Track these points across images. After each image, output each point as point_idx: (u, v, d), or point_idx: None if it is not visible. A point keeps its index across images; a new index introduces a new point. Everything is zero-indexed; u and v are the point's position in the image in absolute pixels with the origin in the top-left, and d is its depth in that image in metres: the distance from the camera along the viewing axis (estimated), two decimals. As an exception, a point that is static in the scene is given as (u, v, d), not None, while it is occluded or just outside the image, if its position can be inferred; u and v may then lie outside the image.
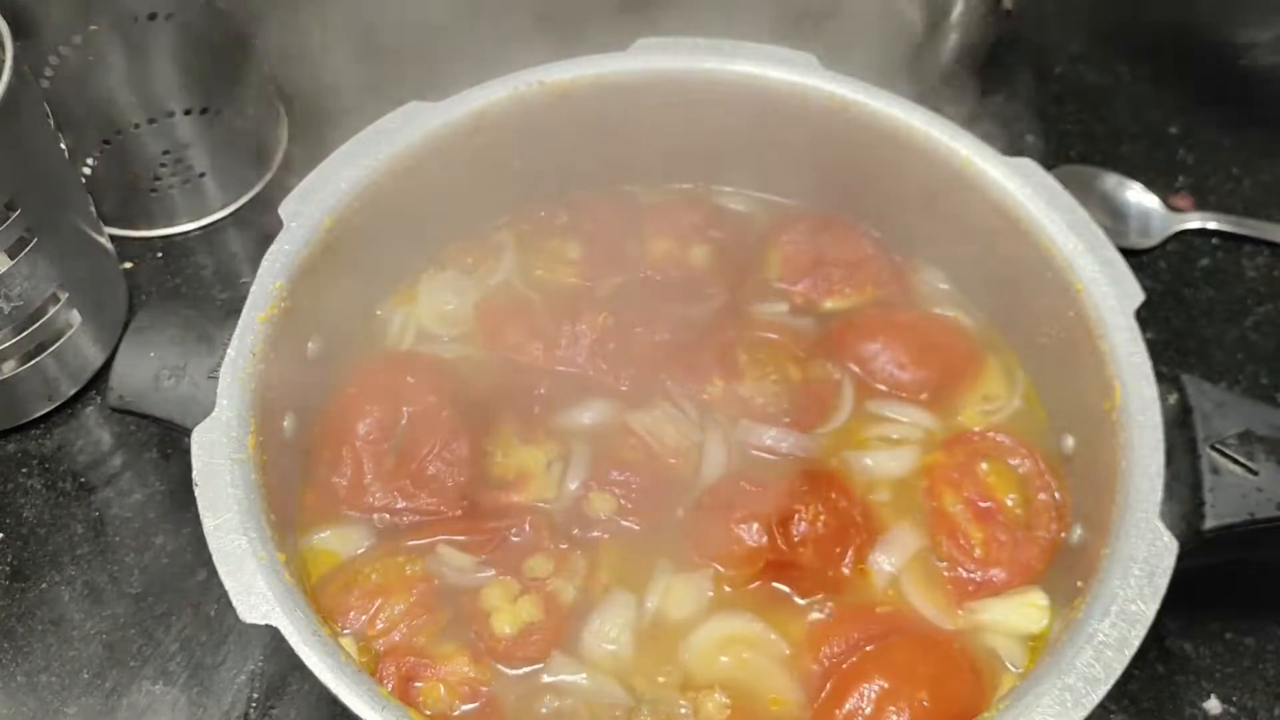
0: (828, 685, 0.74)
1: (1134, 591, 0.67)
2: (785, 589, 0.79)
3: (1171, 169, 1.18)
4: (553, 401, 0.86)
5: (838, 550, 0.79)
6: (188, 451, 0.71)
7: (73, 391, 0.99)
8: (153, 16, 0.97)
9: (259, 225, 1.11)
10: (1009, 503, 0.81)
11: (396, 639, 0.75)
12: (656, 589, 0.78)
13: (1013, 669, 0.76)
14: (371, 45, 1.19)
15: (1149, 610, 0.67)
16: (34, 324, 0.92)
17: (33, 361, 0.94)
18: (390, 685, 0.73)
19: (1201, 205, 1.14)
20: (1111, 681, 0.65)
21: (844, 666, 0.75)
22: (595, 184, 0.96)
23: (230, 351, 0.75)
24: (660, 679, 0.75)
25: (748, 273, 0.93)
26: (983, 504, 0.81)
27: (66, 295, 0.93)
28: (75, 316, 0.96)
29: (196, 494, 0.70)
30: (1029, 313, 0.85)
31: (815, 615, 0.78)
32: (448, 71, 0.90)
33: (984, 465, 0.82)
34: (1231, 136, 1.20)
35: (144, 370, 0.77)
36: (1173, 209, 1.13)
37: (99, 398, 0.99)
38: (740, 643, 0.77)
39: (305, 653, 0.65)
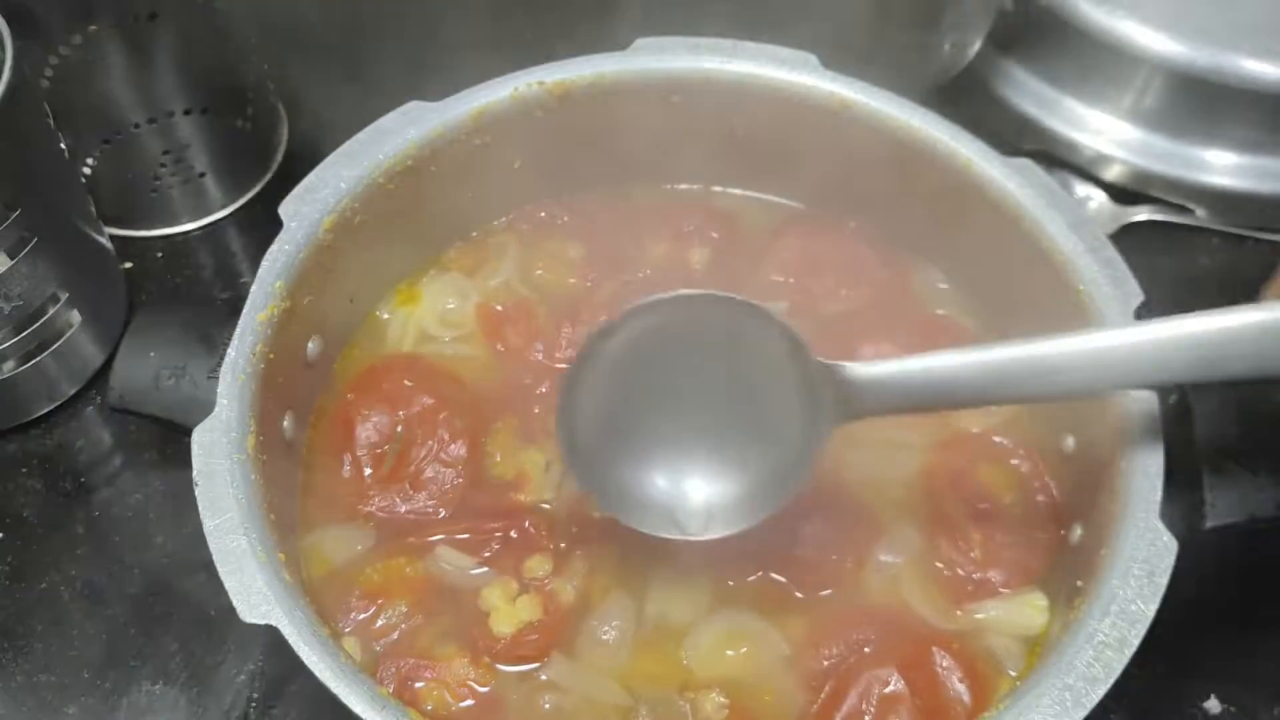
0: (827, 686, 0.74)
1: (1134, 591, 0.67)
2: (783, 579, 0.79)
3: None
4: (553, 402, 0.85)
5: (837, 547, 0.79)
6: (188, 451, 0.71)
7: (73, 391, 0.99)
8: (153, 16, 0.96)
9: (259, 225, 1.11)
10: (1008, 503, 0.81)
11: (396, 639, 0.76)
12: (656, 589, 0.78)
13: (1012, 670, 0.76)
14: (372, 44, 1.20)
15: (1149, 610, 0.67)
16: (34, 324, 0.92)
17: (33, 361, 0.94)
18: (390, 685, 0.73)
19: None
20: (1111, 681, 0.65)
21: (843, 667, 0.75)
22: (595, 184, 0.96)
23: (230, 351, 0.75)
24: (659, 679, 0.75)
25: (747, 273, 0.93)
26: (981, 505, 0.81)
27: (66, 295, 0.93)
28: (75, 316, 0.95)
29: (196, 494, 0.70)
30: (1029, 313, 0.85)
31: (815, 614, 0.78)
32: (448, 71, 0.90)
33: (983, 466, 0.82)
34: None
35: (144, 370, 0.77)
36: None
37: (99, 398, 0.99)
38: (741, 640, 0.77)
39: (305, 653, 0.65)
